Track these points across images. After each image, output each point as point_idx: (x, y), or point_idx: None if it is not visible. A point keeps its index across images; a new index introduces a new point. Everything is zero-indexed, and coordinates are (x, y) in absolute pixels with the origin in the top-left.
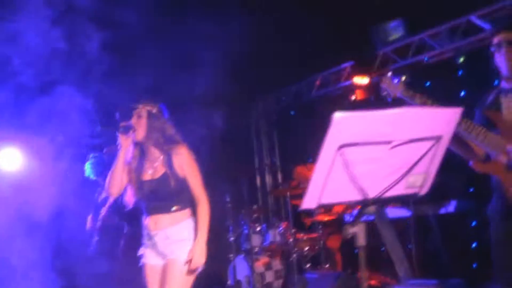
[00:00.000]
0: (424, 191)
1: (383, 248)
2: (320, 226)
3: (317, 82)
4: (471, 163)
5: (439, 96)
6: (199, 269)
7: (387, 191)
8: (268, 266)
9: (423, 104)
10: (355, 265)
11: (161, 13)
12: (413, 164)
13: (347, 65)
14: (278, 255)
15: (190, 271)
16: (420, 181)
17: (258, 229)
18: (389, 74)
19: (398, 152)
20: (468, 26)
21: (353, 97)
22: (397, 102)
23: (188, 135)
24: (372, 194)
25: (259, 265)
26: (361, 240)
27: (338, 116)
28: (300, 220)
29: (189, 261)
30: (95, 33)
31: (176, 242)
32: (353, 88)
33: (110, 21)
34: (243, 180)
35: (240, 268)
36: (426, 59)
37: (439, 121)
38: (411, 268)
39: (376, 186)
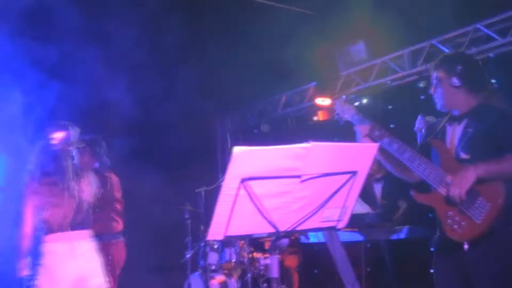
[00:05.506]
0: (342, 224)
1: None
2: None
3: (283, 100)
4: (411, 193)
5: (401, 119)
6: None
7: (300, 224)
8: (224, 285)
9: (372, 128)
10: (312, 285)
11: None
12: (328, 198)
13: (310, 85)
14: (235, 274)
15: None
16: (336, 215)
17: (215, 246)
18: (342, 97)
19: (310, 186)
20: (430, 50)
21: (315, 118)
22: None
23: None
24: (283, 227)
25: (214, 283)
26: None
27: (238, 150)
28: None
29: None
30: None
31: None
32: (315, 108)
33: None
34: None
35: (195, 285)
36: (388, 82)
37: (355, 156)
38: None
39: (288, 219)
